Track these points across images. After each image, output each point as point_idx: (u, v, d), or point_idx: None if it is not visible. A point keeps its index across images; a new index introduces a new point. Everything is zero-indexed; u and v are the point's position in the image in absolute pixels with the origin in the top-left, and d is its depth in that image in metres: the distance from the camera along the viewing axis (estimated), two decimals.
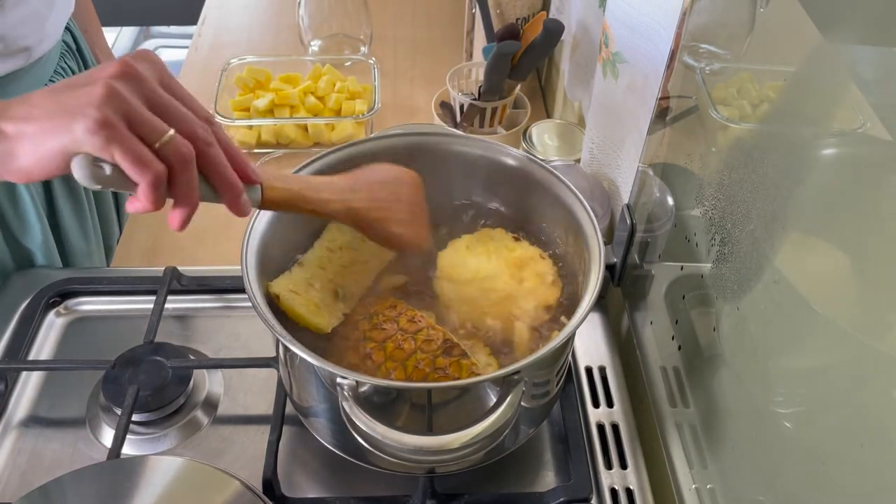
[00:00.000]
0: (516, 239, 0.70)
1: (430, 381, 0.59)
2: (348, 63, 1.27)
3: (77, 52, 1.01)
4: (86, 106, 0.44)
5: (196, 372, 0.74)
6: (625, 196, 0.79)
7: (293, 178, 0.59)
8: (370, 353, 0.61)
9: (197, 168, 0.49)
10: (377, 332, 0.63)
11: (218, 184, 0.50)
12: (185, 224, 0.50)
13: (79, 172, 0.45)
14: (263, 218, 0.63)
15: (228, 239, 0.93)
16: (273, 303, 0.64)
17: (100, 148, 0.45)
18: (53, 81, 0.94)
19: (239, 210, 0.52)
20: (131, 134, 0.45)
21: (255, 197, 0.54)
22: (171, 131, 0.47)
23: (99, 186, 0.47)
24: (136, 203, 0.47)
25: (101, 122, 0.44)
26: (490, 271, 0.68)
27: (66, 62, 0.97)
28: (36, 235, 0.92)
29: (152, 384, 0.70)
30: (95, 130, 0.44)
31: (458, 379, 0.59)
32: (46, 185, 0.95)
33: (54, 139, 0.45)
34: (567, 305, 0.66)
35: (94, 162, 0.46)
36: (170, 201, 0.50)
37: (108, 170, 0.46)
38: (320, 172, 0.67)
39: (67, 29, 1.00)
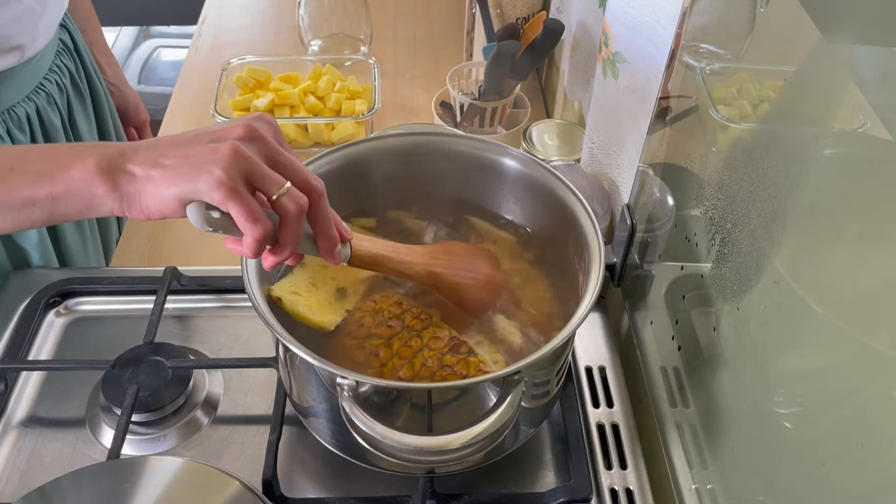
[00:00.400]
0: (521, 249, 0.71)
1: (438, 378, 0.60)
2: (348, 63, 1.27)
3: (75, 52, 1.01)
4: (212, 163, 0.49)
5: (196, 372, 0.74)
6: (625, 196, 0.79)
7: (377, 240, 0.63)
8: (376, 351, 0.61)
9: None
10: (383, 329, 0.63)
11: (320, 232, 0.55)
12: (275, 267, 0.54)
13: (193, 216, 0.50)
14: None
15: None
16: (272, 302, 0.64)
17: (219, 202, 0.49)
18: (49, 80, 0.93)
19: (333, 260, 0.56)
20: (247, 191, 0.50)
21: (346, 252, 0.59)
22: (288, 184, 0.51)
23: (210, 229, 0.51)
24: (237, 247, 0.52)
25: (223, 179, 0.49)
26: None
27: (61, 60, 0.97)
28: (31, 233, 0.92)
29: (152, 384, 0.70)
30: (217, 187, 0.49)
31: (467, 376, 0.59)
32: None
33: (177, 187, 0.50)
34: (567, 306, 0.66)
35: (207, 208, 0.50)
36: None
37: (218, 216, 0.51)
38: (321, 172, 0.67)
39: (65, 28, 0.99)
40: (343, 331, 0.64)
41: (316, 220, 0.54)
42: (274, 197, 0.51)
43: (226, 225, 0.51)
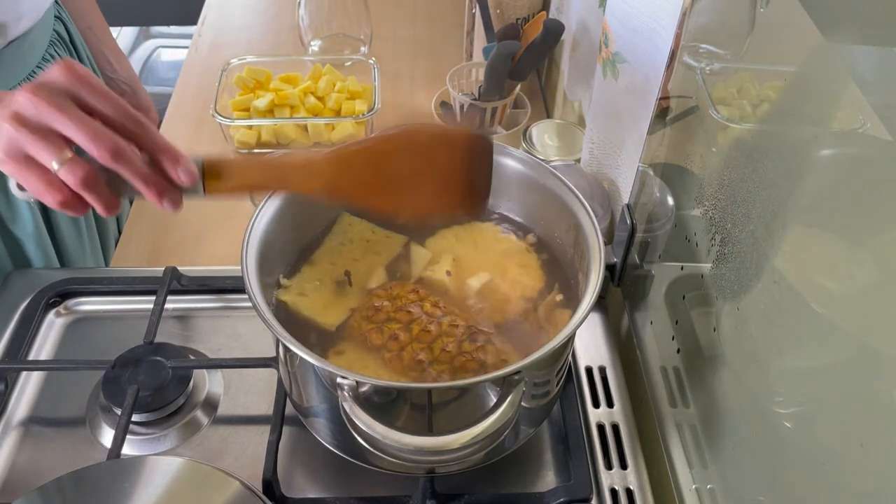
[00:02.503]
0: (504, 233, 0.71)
1: (457, 363, 0.60)
2: (348, 63, 1.27)
3: (70, 43, 1.02)
4: None
5: (196, 372, 0.74)
6: (625, 196, 0.79)
7: (252, 163, 0.57)
8: (396, 334, 0.62)
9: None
10: (402, 314, 0.63)
11: (136, 184, 0.52)
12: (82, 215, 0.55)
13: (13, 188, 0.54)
14: (263, 217, 0.63)
15: (228, 239, 0.93)
16: (278, 304, 0.64)
17: (12, 175, 0.52)
18: (41, 68, 0.93)
19: (164, 207, 0.53)
20: (31, 162, 0.51)
21: (197, 190, 0.54)
22: (65, 153, 0.50)
23: (26, 199, 0.54)
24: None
25: (3, 159, 0.51)
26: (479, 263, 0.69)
27: (56, 51, 0.97)
28: (26, 222, 0.92)
29: (152, 384, 0.70)
30: (6, 163, 0.51)
31: (485, 363, 0.60)
32: None
33: None
34: (566, 304, 0.66)
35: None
36: None
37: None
38: None
39: (60, 20, 1.00)
40: (361, 315, 0.64)
41: (124, 173, 0.51)
42: (53, 170, 0.50)
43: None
